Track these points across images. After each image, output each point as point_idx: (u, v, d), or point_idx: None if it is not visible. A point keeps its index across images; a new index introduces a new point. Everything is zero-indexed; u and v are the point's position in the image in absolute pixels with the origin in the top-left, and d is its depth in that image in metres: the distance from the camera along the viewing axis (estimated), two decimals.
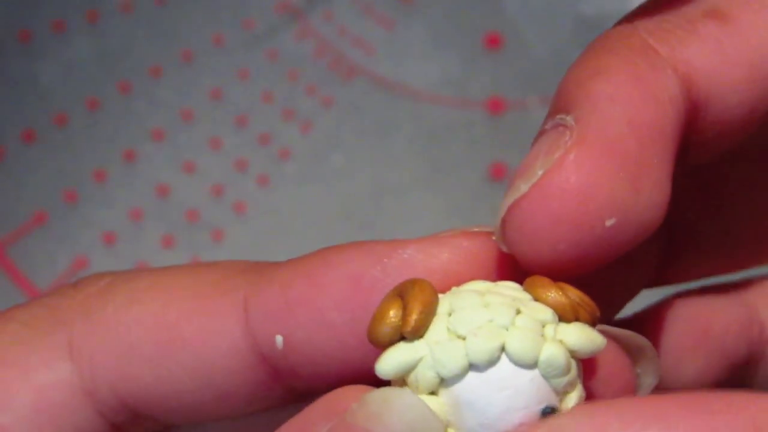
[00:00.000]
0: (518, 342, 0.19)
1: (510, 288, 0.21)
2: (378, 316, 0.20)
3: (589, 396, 0.21)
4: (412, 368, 0.20)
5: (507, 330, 0.20)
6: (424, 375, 0.20)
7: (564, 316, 0.20)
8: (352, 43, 0.57)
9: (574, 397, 0.20)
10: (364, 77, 0.56)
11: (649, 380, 0.22)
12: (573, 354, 0.20)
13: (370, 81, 0.56)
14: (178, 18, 0.58)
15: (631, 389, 0.22)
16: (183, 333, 0.22)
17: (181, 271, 0.24)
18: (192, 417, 0.23)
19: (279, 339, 0.22)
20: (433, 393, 0.20)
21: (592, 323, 0.20)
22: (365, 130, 0.55)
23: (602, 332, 0.21)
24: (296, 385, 0.23)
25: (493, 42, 0.57)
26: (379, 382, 0.20)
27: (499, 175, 0.54)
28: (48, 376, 0.23)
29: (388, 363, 0.20)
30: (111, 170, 0.54)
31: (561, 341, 0.20)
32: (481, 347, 0.19)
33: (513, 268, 0.21)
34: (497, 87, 0.56)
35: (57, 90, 0.55)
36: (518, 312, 0.20)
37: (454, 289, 0.21)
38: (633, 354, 0.22)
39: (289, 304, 0.22)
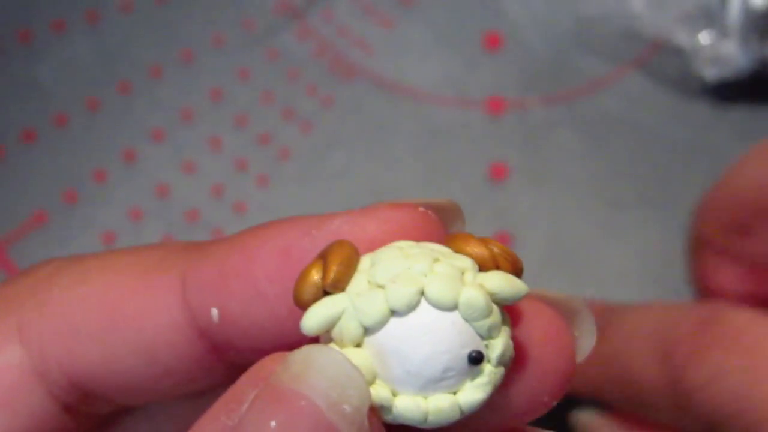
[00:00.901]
0: (436, 285, 0.20)
1: (432, 244, 0.21)
2: (301, 277, 0.20)
3: (524, 357, 0.21)
4: (335, 321, 0.20)
5: (426, 276, 0.20)
6: (348, 326, 0.20)
7: (484, 265, 0.21)
8: (352, 43, 0.57)
9: (500, 342, 0.20)
10: (364, 77, 0.56)
11: (587, 342, 0.22)
12: (494, 297, 0.20)
13: (370, 81, 0.56)
14: (178, 18, 0.57)
15: (569, 351, 0.22)
16: (125, 310, 0.23)
17: (125, 253, 0.24)
18: (140, 395, 0.24)
19: (214, 312, 0.22)
20: (358, 345, 0.20)
21: (515, 274, 0.21)
22: (365, 130, 0.55)
23: (536, 295, 0.21)
24: (236, 360, 0.23)
25: (493, 42, 0.57)
26: None
27: (499, 175, 0.54)
28: None
29: (311, 318, 0.20)
30: (111, 170, 0.54)
31: (480, 285, 0.20)
32: (399, 292, 0.20)
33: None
34: (497, 87, 0.56)
35: (57, 90, 0.55)
36: (437, 260, 0.20)
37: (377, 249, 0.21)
38: (569, 317, 0.22)
39: (223, 277, 0.22)
